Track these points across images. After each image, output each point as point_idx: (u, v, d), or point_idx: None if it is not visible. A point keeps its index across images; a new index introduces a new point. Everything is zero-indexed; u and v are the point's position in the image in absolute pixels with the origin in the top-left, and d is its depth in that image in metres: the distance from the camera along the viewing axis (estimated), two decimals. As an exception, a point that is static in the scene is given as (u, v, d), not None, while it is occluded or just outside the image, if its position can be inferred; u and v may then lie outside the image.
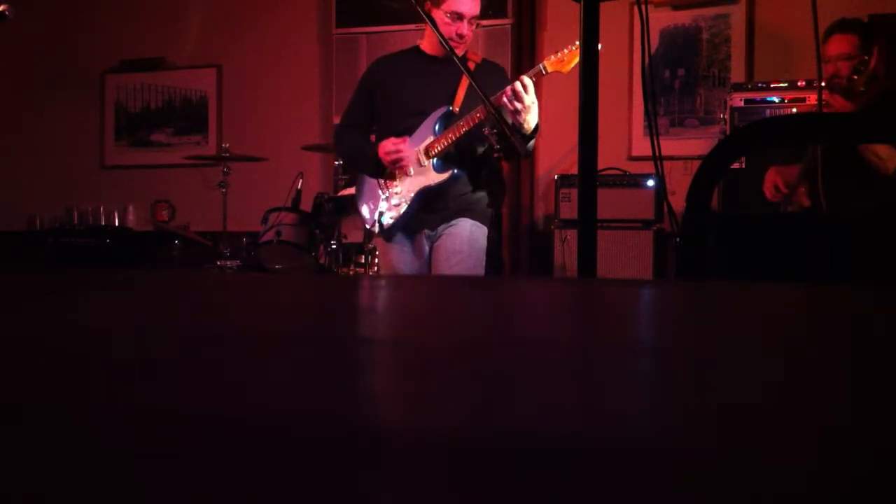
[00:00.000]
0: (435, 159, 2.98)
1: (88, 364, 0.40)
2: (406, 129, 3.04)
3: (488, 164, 3.06)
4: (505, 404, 0.32)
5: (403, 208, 3.02)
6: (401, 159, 2.99)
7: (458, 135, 2.92)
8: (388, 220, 3.05)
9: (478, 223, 3.02)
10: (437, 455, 0.24)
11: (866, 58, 3.02)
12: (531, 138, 2.91)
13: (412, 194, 3.01)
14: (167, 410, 0.30)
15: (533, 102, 2.82)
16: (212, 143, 5.99)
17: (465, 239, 2.99)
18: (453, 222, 3.01)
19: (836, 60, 3.15)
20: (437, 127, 2.99)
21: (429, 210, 3.02)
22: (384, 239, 3.11)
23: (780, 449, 0.25)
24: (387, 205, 3.05)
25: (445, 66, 2.92)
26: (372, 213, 3.10)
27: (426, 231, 3.05)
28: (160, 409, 0.30)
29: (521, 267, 5.17)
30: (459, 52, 2.99)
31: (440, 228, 3.02)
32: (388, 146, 2.99)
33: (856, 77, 2.98)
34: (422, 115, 3.02)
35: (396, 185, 3.04)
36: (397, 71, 3.13)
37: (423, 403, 0.32)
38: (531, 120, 2.86)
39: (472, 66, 3.04)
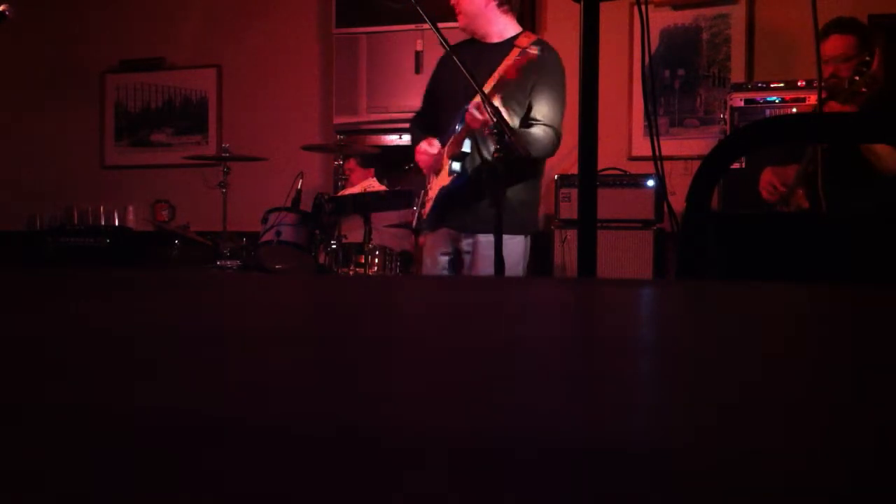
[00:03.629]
0: (452, 160, 2.99)
1: (88, 364, 0.40)
2: (446, 124, 3.05)
3: (487, 164, 3.06)
4: (505, 404, 0.32)
5: (431, 206, 3.09)
6: (420, 163, 3.06)
7: (461, 137, 2.91)
8: (423, 215, 3.13)
9: (516, 235, 3.00)
10: (436, 455, 0.24)
11: (868, 58, 3.01)
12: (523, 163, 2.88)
13: (436, 194, 3.06)
14: (167, 410, 0.30)
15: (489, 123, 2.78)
16: (212, 143, 5.99)
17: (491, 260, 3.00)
18: (475, 240, 3.02)
19: (835, 62, 3.13)
20: (458, 126, 2.98)
21: (448, 210, 3.05)
22: (421, 232, 3.22)
23: (779, 449, 0.25)
24: (424, 202, 3.12)
25: (492, 53, 2.86)
26: (417, 208, 3.21)
27: (451, 232, 3.09)
28: (160, 409, 0.30)
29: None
30: (460, 22, 2.97)
31: (463, 241, 3.05)
32: (420, 147, 3.05)
33: (857, 78, 2.98)
34: (461, 110, 2.99)
35: (431, 185, 3.12)
36: (452, 62, 3.09)
37: (422, 403, 0.32)
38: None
39: (523, 59, 2.85)
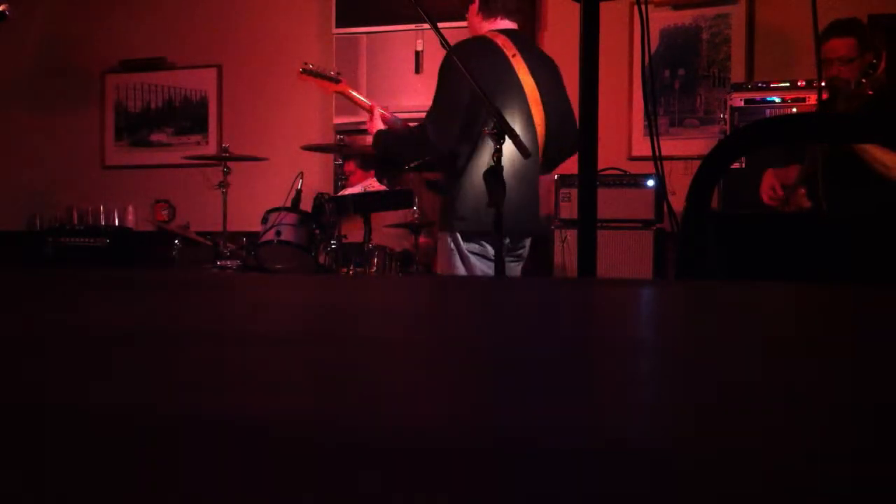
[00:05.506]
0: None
1: (88, 364, 0.40)
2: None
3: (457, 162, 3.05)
4: (504, 405, 0.32)
5: None
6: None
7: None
8: None
9: (441, 232, 3.07)
10: (435, 456, 0.24)
11: (874, 60, 3.01)
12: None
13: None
14: (167, 410, 0.30)
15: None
16: (212, 143, 5.99)
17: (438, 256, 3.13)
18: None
19: (837, 64, 3.14)
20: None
21: None
22: None
23: (779, 449, 0.25)
24: None
25: None
26: None
27: None
28: (159, 408, 0.30)
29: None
30: None
31: None
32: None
33: (864, 80, 2.97)
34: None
35: None
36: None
37: (421, 403, 0.32)
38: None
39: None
